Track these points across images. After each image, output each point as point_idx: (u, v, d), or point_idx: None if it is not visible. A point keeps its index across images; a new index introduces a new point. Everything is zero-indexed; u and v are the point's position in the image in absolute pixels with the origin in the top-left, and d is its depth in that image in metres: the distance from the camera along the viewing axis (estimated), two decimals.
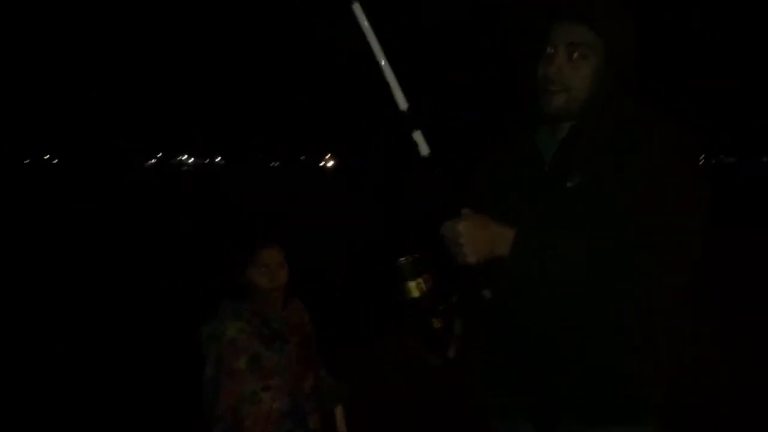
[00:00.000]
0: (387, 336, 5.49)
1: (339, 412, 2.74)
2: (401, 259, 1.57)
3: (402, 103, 1.50)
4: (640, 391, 1.59)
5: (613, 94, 1.58)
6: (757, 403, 4.26)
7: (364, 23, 1.47)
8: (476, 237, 1.52)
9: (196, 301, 5.82)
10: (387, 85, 1.49)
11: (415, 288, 1.56)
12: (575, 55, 1.57)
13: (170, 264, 8.00)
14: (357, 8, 1.46)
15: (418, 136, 1.52)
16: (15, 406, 4.11)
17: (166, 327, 5.45)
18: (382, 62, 1.49)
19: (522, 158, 1.71)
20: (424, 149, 1.52)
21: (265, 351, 2.43)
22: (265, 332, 2.46)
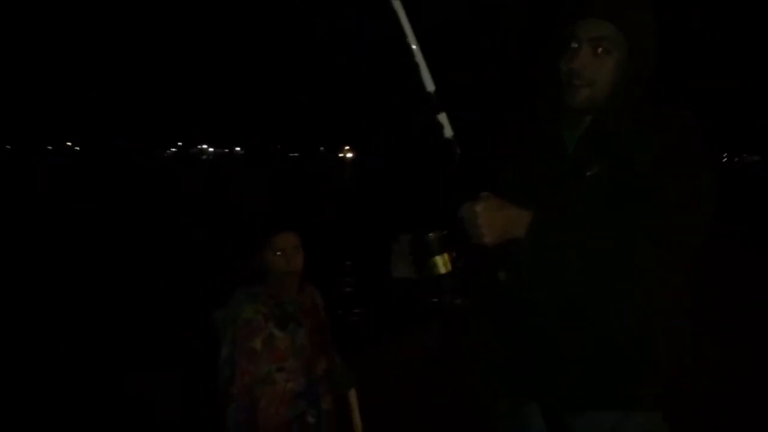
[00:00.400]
0: (391, 334, 5.50)
1: (352, 395, 2.74)
2: (430, 234, 1.57)
3: (429, 84, 1.49)
4: (646, 377, 1.61)
5: (633, 89, 1.61)
6: (756, 395, 4.19)
7: (396, 1, 1.46)
8: (493, 218, 1.53)
9: (196, 301, 5.90)
10: (416, 66, 1.49)
11: (441, 264, 1.55)
12: (600, 49, 1.60)
13: (170, 264, 8.02)
14: None
15: (443, 118, 1.51)
16: (15, 406, 4.10)
17: (166, 327, 5.47)
18: (413, 44, 1.48)
19: (546, 148, 1.73)
20: (448, 131, 1.52)
21: (279, 333, 2.46)
22: (279, 315, 2.49)
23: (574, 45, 1.62)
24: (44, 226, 11.26)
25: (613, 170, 1.58)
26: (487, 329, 1.77)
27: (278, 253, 2.52)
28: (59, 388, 4.39)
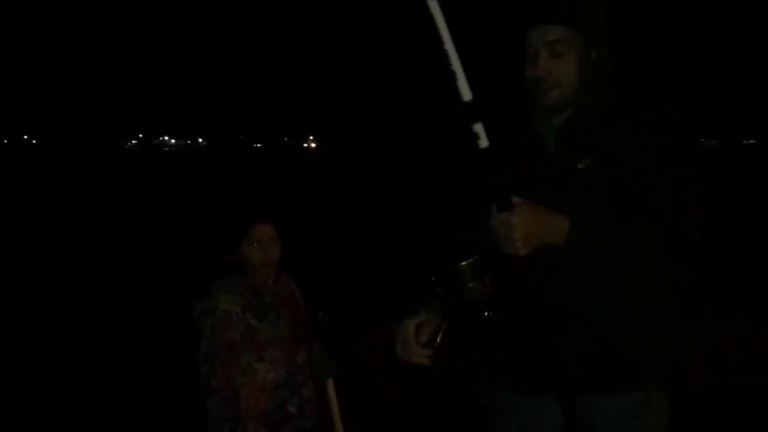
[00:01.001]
0: (382, 327, 5.50)
1: (330, 386, 2.76)
2: (461, 263, 1.56)
3: (466, 93, 1.48)
4: (653, 362, 1.69)
5: (601, 78, 1.65)
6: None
7: (437, 11, 1.43)
8: (532, 229, 1.53)
9: (195, 301, 5.86)
10: (452, 75, 1.47)
11: (476, 292, 1.56)
12: (556, 50, 1.63)
13: (170, 263, 7.93)
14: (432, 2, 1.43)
15: (479, 128, 1.50)
16: (15, 405, 4.06)
17: (166, 327, 5.42)
18: (451, 53, 1.46)
19: (524, 145, 1.75)
20: (484, 142, 1.50)
21: (258, 323, 2.45)
22: (257, 306, 2.49)
23: (532, 52, 1.65)
24: (43, 224, 10.98)
25: (601, 163, 1.62)
26: (504, 330, 1.73)
27: (255, 244, 2.51)
28: (59, 388, 4.35)
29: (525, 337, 1.72)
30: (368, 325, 5.64)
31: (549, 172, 1.70)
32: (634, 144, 1.61)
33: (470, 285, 1.56)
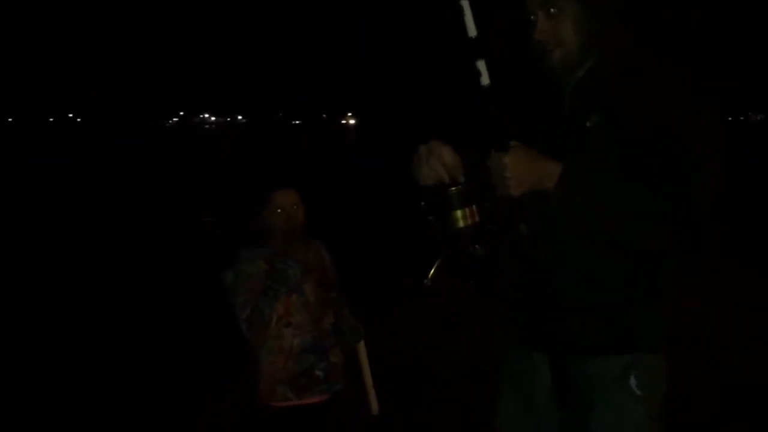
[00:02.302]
0: (404, 302, 5.53)
1: (362, 349, 2.75)
2: (451, 188, 1.56)
3: (472, 29, 1.50)
4: (654, 321, 1.68)
5: (609, 33, 1.64)
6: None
7: None
8: (523, 170, 1.54)
9: (196, 301, 5.90)
10: (460, 9, 1.49)
11: (461, 218, 1.55)
12: (552, 10, 1.63)
13: (170, 263, 8.01)
14: None
15: (481, 65, 1.52)
16: (15, 406, 4.09)
17: (166, 327, 5.48)
18: None
19: (545, 100, 1.78)
20: (485, 79, 1.53)
21: (281, 289, 2.49)
22: (282, 271, 2.52)
23: (533, 17, 1.67)
24: (44, 224, 11.21)
25: (614, 121, 1.61)
26: (503, 280, 1.79)
27: (278, 210, 2.54)
28: (60, 388, 4.39)
29: (517, 288, 1.74)
30: (397, 299, 5.68)
31: (558, 129, 1.70)
32: (648, 105, 1.58)
33: (457, 212, 1.55)
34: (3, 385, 4.35)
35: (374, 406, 2.70)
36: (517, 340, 1.81)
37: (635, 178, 1.56)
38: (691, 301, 4.90)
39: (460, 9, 1.49)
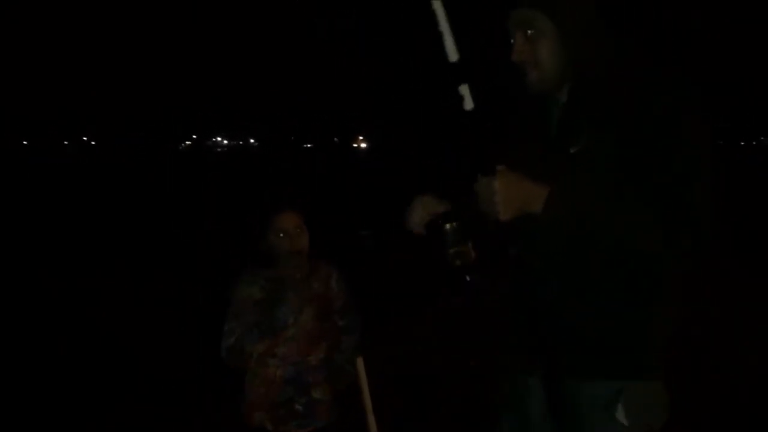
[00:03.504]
0: (405, 316, 5.50)
1: (361, 371, 2.65)
2: (446, 225, 1.58)
3: (453, 54, 1.50)
4: (648, 348, 1.65)
5: (588, 52, 1.61)
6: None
7: None
8: (511, 194, 1.53)
9: (196, 301, 5.94)
10: (440, 34, 1.48)
11: (457, 257, 1.58)
12: (529, 32, 1.62)
13: (170, 264, 8.00)
14: None
15: (464, 90, 1.53)
16: (15, 406, 4.11)
17: (167, 327, 5.47)
18: (439, 12, 1.49)
19: (531, 125, 1.77)
20: (469, 103, 1.53)
21: (274, 317, 2.46)
22: (278, 299, 2.49)
23: (512, 39, 1.67)
24: (44, 224, 11.20)
25: (600, 144, 1.58)
26: (498, 303, 1.81)
27: (281, 234, 2.51)
28: (59, 388, 4.42)
29: (509, 310, 1.75)
30: (403, 310, 5.65)
31: (545, 155, 1.69)
32: (633, 119, 1.55)
33: (452, 250, 1.58)
34: (3, 385, 4.37)
35: (373, 429, 2.64)
36: (512, 364, 1.80)
37: (624, 198, 1.53)
38: (688, 303, 4.85)
39: (440, 34, 1.48)
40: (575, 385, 1.66)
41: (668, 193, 1.51)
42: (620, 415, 1.61)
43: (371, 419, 2.61)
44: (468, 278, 1.60)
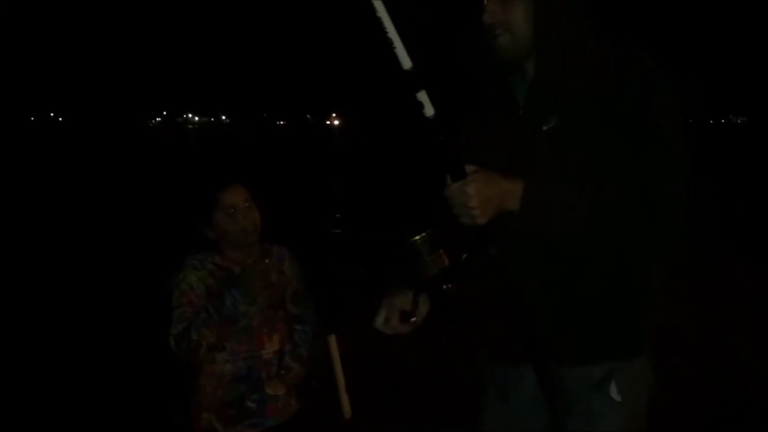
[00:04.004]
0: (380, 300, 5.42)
1: (334, 349, 2.54)
2: (415, 238, 1.54)
3: (406, 62, 1.44)
4: (633, 330, 1.68)
5: (562, 26, 1.57)
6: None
7: None
8: (486, 197, 1.48)
9: (134, 294, 5.78)
10: (390, 42, 1.43)
11: (432, 265, 1.54)
12: None
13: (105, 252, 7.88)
14: None
15: (422, 96, 1.47)
16: (14, 406, 4.06)
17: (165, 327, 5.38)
18: (385, 20, 1.43)
19: (497, 105, 1.72)
20: (429, 110, 1.47)
21: (221, 309, 2.24)
22: (225, 288, 2.27)
23: (485, 1, 1.62)
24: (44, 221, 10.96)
25: (573, 122, 1.56)
26: (479, 302, 1.78)
27: (230, 211, 2.29)
28: (58, 388, 4.34)
29: (495, 306, 1.71)
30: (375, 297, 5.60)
31: (515, 134, 1.65)
32: (606, 99, 1.53)
33: (426, 259, 1.54)
34: (2, 386, 4.29)
35: (346, 408, 2.54)
36: (501, 356, 1.80)
37: (599, 181, 1.52)
38: (679, 305, 4.91)
39: (390, 42, 1.43)
40: (569, 370, 1.68)
41: (645, 172, 1.51)
42: (613, 392, 1.66)
43: (344, 398, 2.52)
44: (445, 287, 1.56)
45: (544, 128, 1.61)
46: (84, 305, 6.07)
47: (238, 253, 2.35)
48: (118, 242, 9.02)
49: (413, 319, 1.72)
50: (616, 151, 1.53)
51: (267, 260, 2.40)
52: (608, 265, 1.63)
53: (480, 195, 1.48)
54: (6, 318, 5.64)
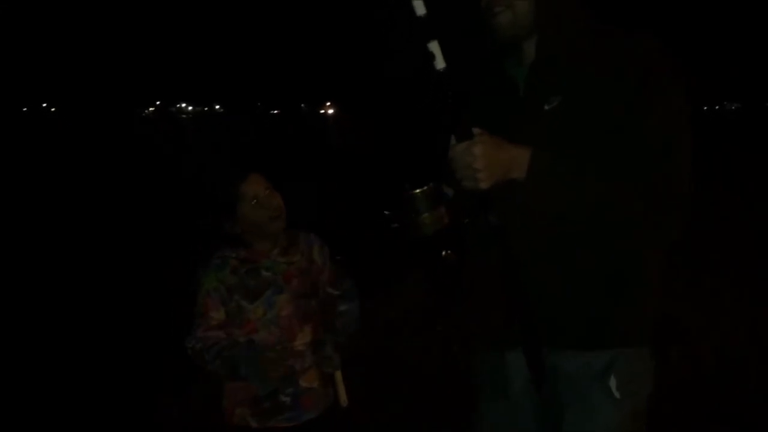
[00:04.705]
0: (382, 290, 5.41)
1: (338, 376, 2.44)
2: (415, 191, 1.43)
3: (420, 7, 1.35)
4: (637, 315, 1.60)
5: (567, 6, 1.56)
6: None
7: None
8: (492, 161, 1.42)
9: (162, 290, 5.70)
10: None
11: (429, 223, 1.43)
12: None
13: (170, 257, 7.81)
14: None
15: (434, 47, 1.37)
16: (14, 406, 3.98)
17: (166, 326, 5.34)
18: None
19: (495, 87, 1.68)
20: (440, 62, 1.39)
21: (248, 304, 2.21)
22: (251, 284, 2.24)
23: None
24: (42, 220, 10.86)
25: (576, 100, 1.51)
26: (476, 276, 1.67)
27: (253, 201, 2.25)
28: (59, 388, 4.27)
29: (489, 284, 1.62)
30: (374, 287, 5.56)
31: (516, 116, 1.58)
32: (610, 79, 1.49)
33: (424, 215, 1.42)
34: (2, 386, 4.22)
35: (343, 398, 2.45)
36: (490, 340, 1.72)
37: (605, 158, 1.47)
38: (679, 298, 4.89)
39: None
40: (566, 357, 1.60)
41: (649, 148, 1.46)
42: (612, 384, 1.58)
43: (341, 389, 2.42)
44: (444, 253, 1.45)
45: (547, 108, 1.56)
46: (84, 303, 5.99)
47: (266, 242, 2.30)
48: (118, 241, 8.88)
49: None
50: (620, 129, 1.48)
51: (292, 249, 2.34)
52: (614, 244, 1.55)
53: (486, 157, 1.41)
54: (4, 317, 5.59)
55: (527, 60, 1.62)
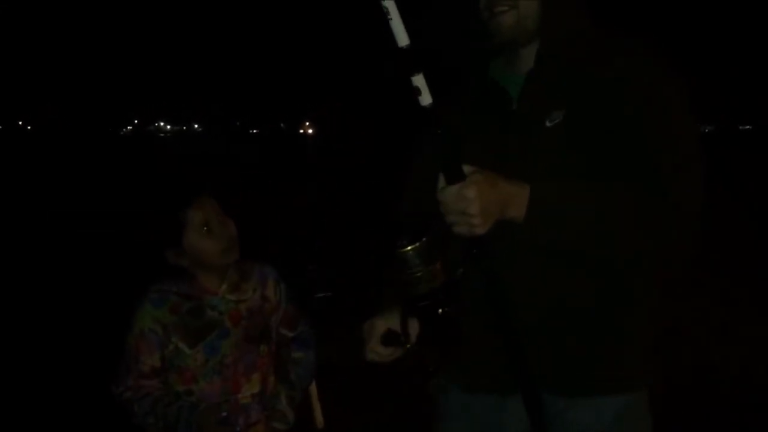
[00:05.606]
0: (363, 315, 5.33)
1: (312, 392, 2.31)
2: (407, 248, 1.31)
3: (403, 38, 1.24)
4: (637, 361, 1.53)
5: (568, 13, 1.45)
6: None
7: None
8: (488, 203, 1.30)
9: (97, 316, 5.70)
10: (385, 12, 1.22)
11: (425, 281, 1.31)
12: None
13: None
14: None
15: (419, 81, 1.26)
16: (13, 406, 4.00)
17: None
18: None
19: (482, 99, 1.54)
20: (426, 98, 1.27)
21: (188, 349, 1.97)
22: (192, 324, 1.99)
23: None
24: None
25: (581, 116, 1.42)
26: (468, 323, 1.60)
27: (204, 228, 1.98)
28: (58, 388, 4.30)
29: (485, 328, 1.50)
30: (356, 309, 5.49)
31: (511, 135, 1.47)
32: (616, 93, 1.40)
33: (418, 274, 1.31)
34: (2, 386, 4.23)
35: (319, 419, 2.35)
36: (486, 385, 1.61)
37: (613, 186, 1.38)
38: (679, 298, 4.89)
39: (386, 12, 1.22)
40: (571, 401, 1.52)
41: (657, 166, 1.38)
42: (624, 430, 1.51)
43: (317, 407, 2.36)
44: (441, 311, 1.35)
45: (548, 124, 1.45)
46: (83, 303, 6.00)
47: (214, 276, 2.06)
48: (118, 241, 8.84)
49: (408, 345, 1.49)
50: (627, 148, 1.40)
51: (244, 285, 2.10)
52: (623, 282, 1.48)
53: (481, 200, 1.29)
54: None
55: (523, 68, 1.51)
